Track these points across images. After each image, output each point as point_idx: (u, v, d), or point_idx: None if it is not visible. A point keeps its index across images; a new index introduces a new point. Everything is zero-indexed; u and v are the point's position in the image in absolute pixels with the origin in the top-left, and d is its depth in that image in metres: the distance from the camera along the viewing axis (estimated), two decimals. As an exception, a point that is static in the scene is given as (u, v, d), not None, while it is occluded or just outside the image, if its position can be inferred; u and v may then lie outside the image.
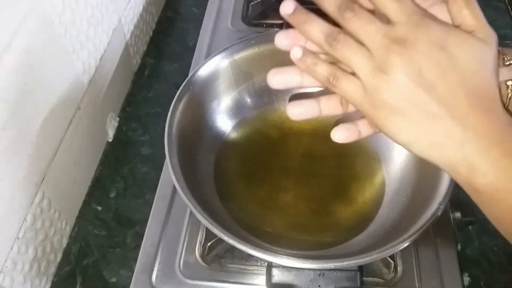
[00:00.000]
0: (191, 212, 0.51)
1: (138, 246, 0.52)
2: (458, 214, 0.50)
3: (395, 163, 0.53)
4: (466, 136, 0.29)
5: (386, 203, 0.51)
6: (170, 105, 0.48)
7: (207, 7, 0.77)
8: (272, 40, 0.54)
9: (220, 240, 0.49)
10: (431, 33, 0.29)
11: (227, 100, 0.56)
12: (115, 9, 0.64)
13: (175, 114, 0.48)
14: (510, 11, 0.81)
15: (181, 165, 0.45)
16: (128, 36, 0.70)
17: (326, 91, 0.35)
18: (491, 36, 0.30)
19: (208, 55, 0.55)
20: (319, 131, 0.57)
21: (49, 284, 0.53)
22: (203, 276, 0.50)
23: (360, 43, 0.30)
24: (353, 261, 0.40)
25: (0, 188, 0.43)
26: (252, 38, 0.55)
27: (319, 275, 0.44)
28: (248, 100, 0.57)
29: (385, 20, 0.30)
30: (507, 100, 0.32)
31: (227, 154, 0.55)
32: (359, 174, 0.54)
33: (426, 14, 0.30)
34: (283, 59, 0.55)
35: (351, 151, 0.55)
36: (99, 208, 0.59)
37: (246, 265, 0.50)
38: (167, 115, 0.47)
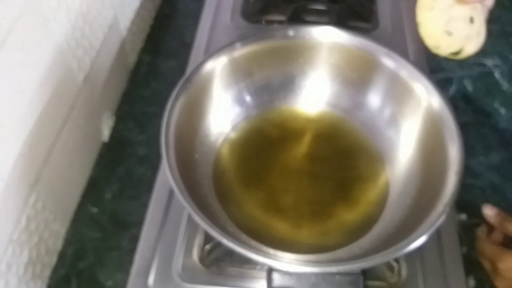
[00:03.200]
0: (189, 214, 0.50)
1: (134, 249, 0.51)
2: (463, 216, 0.50)
3: (399, 164, 0.53)
4: None
5: (390, 204, 0.50)
6: (167, 104, 0.48)
7: (206, 3, 0.77)
8: (272, 37, 0.55)
9: (219, 243, 0.48)
10: None
11: (226, 99, 0.55)
12: (111, 5, 0.63)
13: (172, 113, 0.47)
14: (515, 8, 0.81)
15: (178, 166, 0.44)
16: (124, 33, 0.69)
17: None
18: None
19: (207, 53, 0.55)
20: (321, 131, 0.57)
21: (44, 287, 0.53)
22: (201, 279, 0.49)
23: None
24: (356, 265, 0.39)
25: (-7, 190, 0.43)
26: (252, 35, 0.55)
27: (321, 279, 0.43)
28: (248, 98, 0.57)
29: None
30: None
31: (226, 154, 0.55)
32: (362, 175, 0.53)
33: None
34: (283, 57, 0.56)
35: (353, 151, 0.55)
36: (95, 209, 0.59)
37: (246, 268, 0.49)
38: (164, 114, 0.47)
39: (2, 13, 0.41)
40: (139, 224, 0.54)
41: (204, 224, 0.40)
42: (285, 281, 0.43)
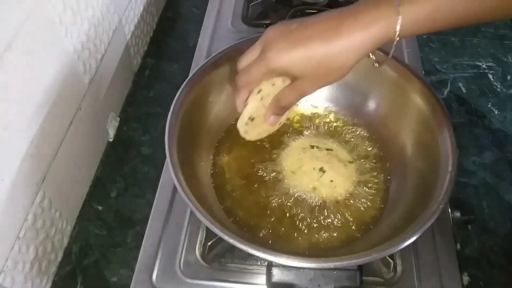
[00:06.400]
0: (191, 211, 0.51)
1: (138, 246, 0.52)
2: (457, 214, 0.50)
3: (396, 164, 0.53)
4: None
5: (388, 203, 0.51)
6: (170, 105, 0.48)
7: (208, 7, 0.78)
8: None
9: (220, 240, 0.49)
10: None
11: (227, 100, 0.55)
12: (115, 9, 0.64)
13: (176, 114, 0.48)
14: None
15: (181, 165, 0.45)
16: (128, 37, 0.70)
17: None
18: None
19: (209, 55, 0.55)
20: (320, 131, 0.57)
21: (49, 283, 0.53)
22: (203, 275, 0.50)
23: None
24: (353, 261, 0.40)
25: (1, 188, 0.43)
26: (252, 38, 0.54)
27: (319, 274, 0.44)
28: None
29: None
30: None
31: (227, 153, 0.55)
32: (361, 175, 0.53)
33: None
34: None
35: (352, 151, 0.55)
36: (100, 207, 0.59)
37: (246, 264, 0.50)
38: (167, 115, 0.47)
39: (8, 16, 0.41)
40: (143, 221, 0.55)
41: (205, 221, 0.41)
42: (285, 276, 0.43)
